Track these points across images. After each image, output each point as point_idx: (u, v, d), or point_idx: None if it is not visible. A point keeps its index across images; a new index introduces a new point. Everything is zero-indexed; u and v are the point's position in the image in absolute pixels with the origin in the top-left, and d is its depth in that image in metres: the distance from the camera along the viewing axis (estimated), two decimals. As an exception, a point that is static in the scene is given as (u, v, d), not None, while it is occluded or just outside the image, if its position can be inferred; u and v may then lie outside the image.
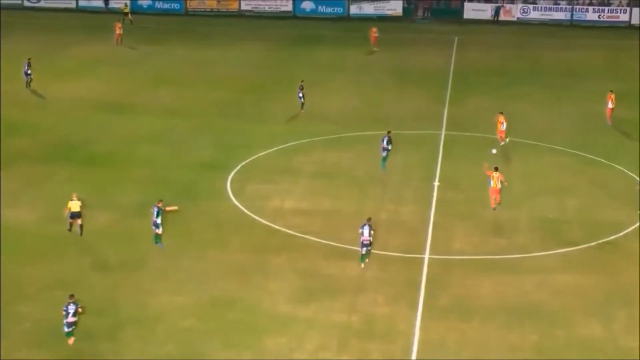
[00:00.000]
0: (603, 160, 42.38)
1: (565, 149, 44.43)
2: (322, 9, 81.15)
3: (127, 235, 34.09)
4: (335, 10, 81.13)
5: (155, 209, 32.77)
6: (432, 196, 38.47)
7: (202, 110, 50.80)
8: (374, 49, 66.03)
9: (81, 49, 65.49)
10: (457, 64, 63.00)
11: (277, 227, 35.16)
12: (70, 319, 26.57)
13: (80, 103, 51.59)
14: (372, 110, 51.35)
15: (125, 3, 77.92)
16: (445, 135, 46.53)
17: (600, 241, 34.33)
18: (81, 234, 33.80)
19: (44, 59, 61.11)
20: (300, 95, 50.04)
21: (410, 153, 43.83)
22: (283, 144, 44.73)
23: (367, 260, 32.13)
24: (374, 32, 66.73)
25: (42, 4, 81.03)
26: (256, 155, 42.98)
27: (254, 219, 35.86)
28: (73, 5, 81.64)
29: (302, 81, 50.55)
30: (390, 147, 41.92)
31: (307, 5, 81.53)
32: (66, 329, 26.68)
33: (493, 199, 36.96)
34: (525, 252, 33.36)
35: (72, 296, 26.92)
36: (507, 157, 42.98)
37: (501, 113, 45.22)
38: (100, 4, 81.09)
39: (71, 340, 26.77)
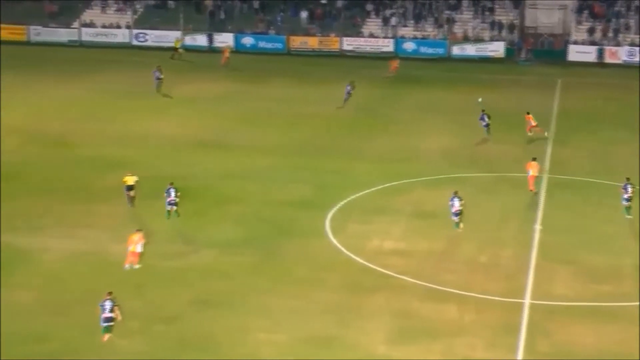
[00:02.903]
0: None
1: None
2: (423, 49, 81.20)
3: (223, 271, 34.43)
4: (437, 51, 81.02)
5: (173, 190, 38.93)
6: (533, 239, 37.87)
7: (301, 148, 51.16)
8: (389, 75, 71.23)
9: (182, 86, 66.63)
10: (560, 106, 62.13)
11: (374, 266, 35.07)
12: (107, 314, 28.68)
13: (178, 139, 52.33)
14: (471, 151, 50.98)
15: (177, 38, 79.54)
16: (548, 178, 45.84)
17: None
18: (132, 205, 40.43)
19: (146, 96, 62.72)
20: (348, 90, 59.40)
21: (511, 195, 43.31)
22: (382, 184, 44.69)
23: (461, 225, 38.23)
24: (396, 63, 72.21)
25: (149, 43, 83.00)
26: (355, 195, 43.02)
27: (351, 258, 35.84)
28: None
29: (353, 81, 60.49)
30: (489, 121, 52.11)
31: (409, 46, 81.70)
32: (103, 324, 28.69)
33: (532, 183, 43.00)
34: (629, 300, 32.46)
35: (110, 293, 28.89)
36: (610, 202, 42.06)
37: (528, 113, 52.96)
38: (205, 42, 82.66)
39: (106, 337, 28.27)
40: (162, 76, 63.70)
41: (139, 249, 33.92)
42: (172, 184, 39.49)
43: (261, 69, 74.35)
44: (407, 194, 43.48)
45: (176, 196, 39.07)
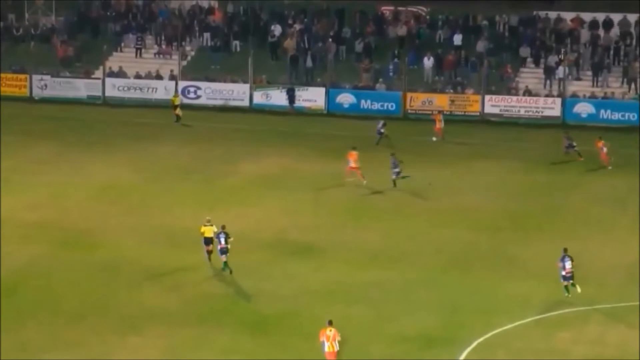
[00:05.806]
0: None
1: None
2: (605, 114, 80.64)
3: None
4: (627, 118, 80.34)
5: (223, 235, 47.57)
6: None
7: (423, 256, 51.48)
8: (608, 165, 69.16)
9: (251, 163, 67.80)
10: None
11: None
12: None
13: (247, 239, 52.15)
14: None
15: (175, 93, 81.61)
16: None
17: None
18: (210, 260, 48.66)
19: (199, 176, 63.98)
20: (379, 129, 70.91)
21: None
22: (541, 313, 44.66)
23: (578, 288, 45.60)
24: (601, 144, 69.30)
25: (203, 101, 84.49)
26: (500, 328, 43.03)
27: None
28: (246, 103, 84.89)
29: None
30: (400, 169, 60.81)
31: (584, 109, 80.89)
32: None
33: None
34: None
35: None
36: None
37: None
38: (283, 100, 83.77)
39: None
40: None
41: (337, 347, 38.61)
42: (224, 227, 48.12)
43: (365, 139, 74.39)
44: (579, 330, 43.33)
45: (227, 242, 47.59)
